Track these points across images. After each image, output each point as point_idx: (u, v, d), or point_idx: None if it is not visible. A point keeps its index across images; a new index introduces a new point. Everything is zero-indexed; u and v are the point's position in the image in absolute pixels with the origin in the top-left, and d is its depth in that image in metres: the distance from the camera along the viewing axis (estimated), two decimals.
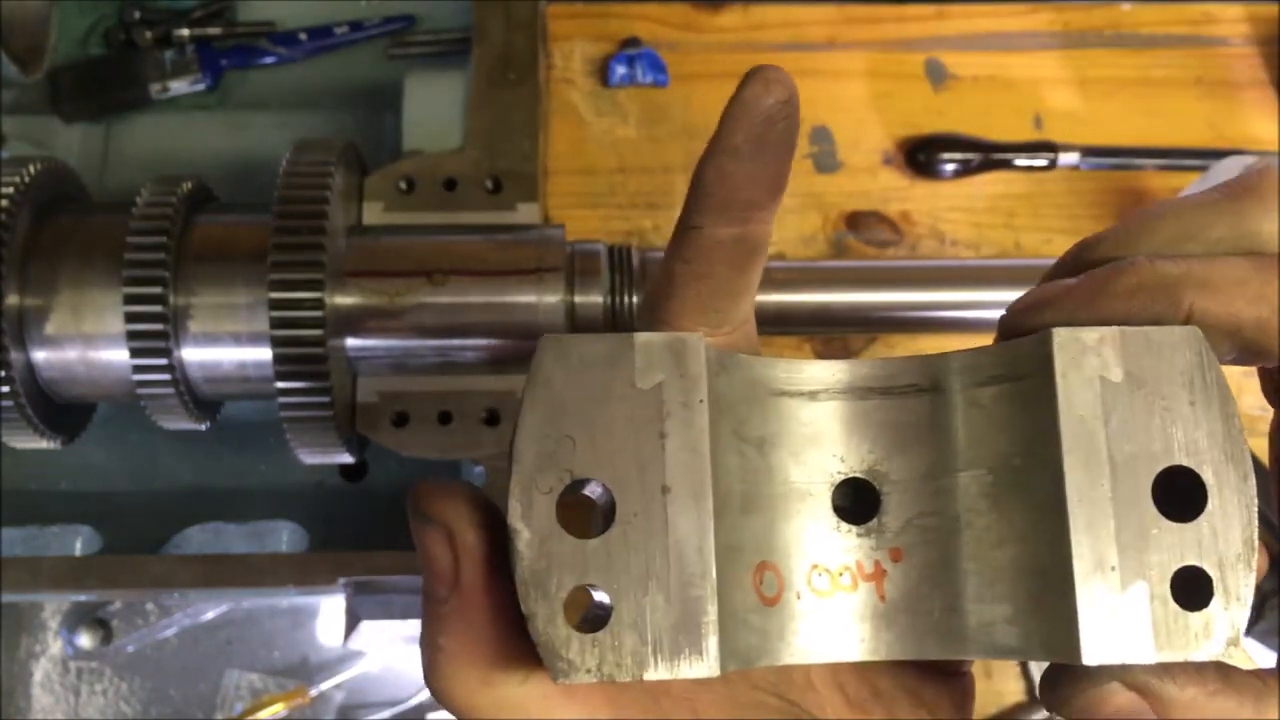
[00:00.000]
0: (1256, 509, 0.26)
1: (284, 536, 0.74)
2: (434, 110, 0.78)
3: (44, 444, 0.68)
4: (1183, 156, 0.92)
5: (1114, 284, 0.27)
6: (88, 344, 0.65)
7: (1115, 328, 0.26)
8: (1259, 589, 0.86)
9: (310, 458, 0.69)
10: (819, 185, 0.91)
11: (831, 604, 0.29)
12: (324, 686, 0.84)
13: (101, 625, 0.81)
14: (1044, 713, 0.81)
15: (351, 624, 0.75)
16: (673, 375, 0.26)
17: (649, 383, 0.26)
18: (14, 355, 0.63)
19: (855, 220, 0.91)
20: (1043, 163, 0.91)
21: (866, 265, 0.82)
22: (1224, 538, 0.25)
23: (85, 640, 0.81)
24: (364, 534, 0.77)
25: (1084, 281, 0.28)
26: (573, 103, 0.92)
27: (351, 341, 0.67)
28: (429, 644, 0.29)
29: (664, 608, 0.25)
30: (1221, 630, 0.25)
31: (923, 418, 0.29)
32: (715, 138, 0.29)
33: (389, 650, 0.84)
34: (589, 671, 0.25)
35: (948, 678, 0.34)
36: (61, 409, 0.69)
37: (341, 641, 0.77)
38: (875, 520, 0.29)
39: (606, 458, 0.25)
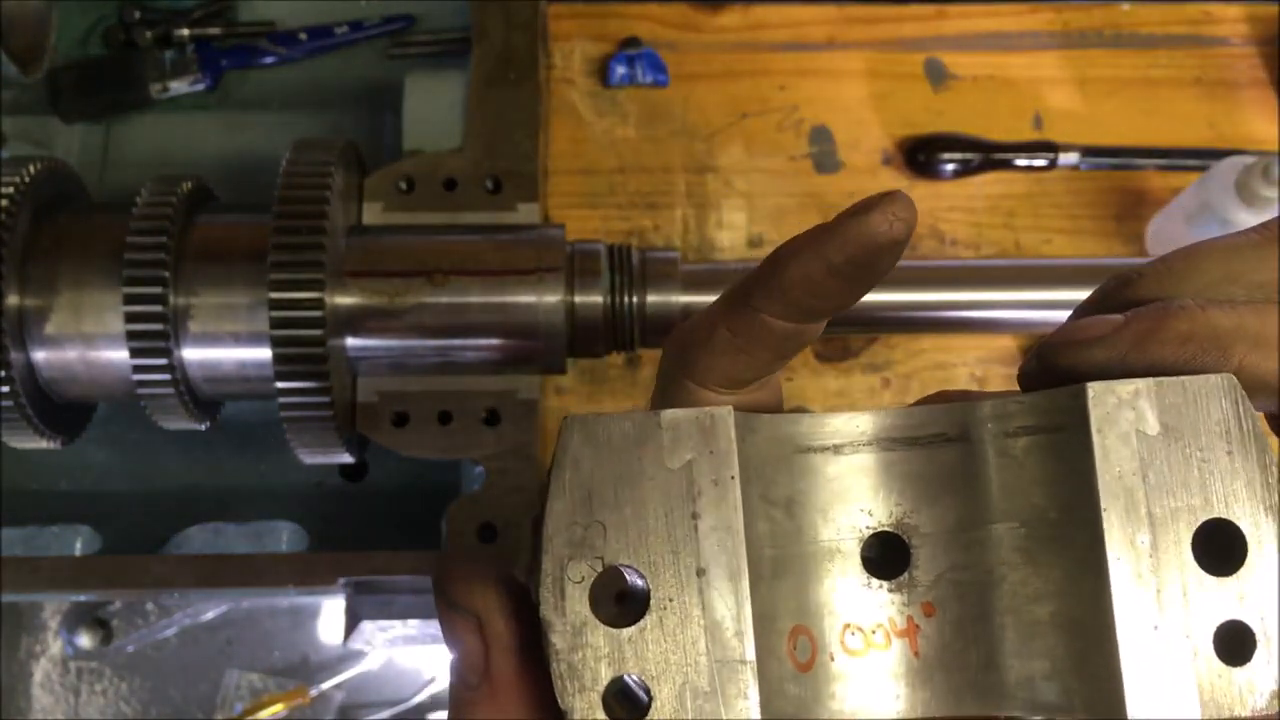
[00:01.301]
0: None
1: (284, 536, 0.74)
2: (434, 110, 0.78)
3: (44, 444, 0.68)
4: (1183, 156, 0.92)
5: (1164, 330, 0.27)
6: (88, 344, 0.65)
7: (1152, 379, 0.26)
8: None
9: (310, 458, 0.69)
10: (819, 185, 0.91)
11: (865, 663, 0.28)
12: (324, 686, 0.84)
13: (101, 625, 0.81)
14: None
15: (351, 624, 0.75)
16: (702, 452, 0.25)
17: (678, 461, 0.25)
18: (14, 355, 0.63)
19: None
20: (1043, 163, 0.91)
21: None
22: (1266, 589, 0.25)
23: (85, 640, 0.81)
24: (364, 534, 0.77)
25: (1132, 323, 0.27)
26: (573, 103, 0.92)
27: (351, 341, 0.67)
28: None
29: (704, 693, 0.25)
30: (1266, 684, 0.25)
31: (952, 468, 0.28)
32: (815, 239, 0.28)
33: (389, 650, 0.84)
34: None
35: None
36: (61, 409, 0.69)
37: (341, 641, 0.77)
38: (906, 575, 0.28)
39: (638, 543, 0.25)
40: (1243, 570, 0.25)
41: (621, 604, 0.26)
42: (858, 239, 0.27)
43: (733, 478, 0.25)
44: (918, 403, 0.30)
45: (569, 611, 0.25)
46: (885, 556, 0.29)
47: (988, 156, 0.91)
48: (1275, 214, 0.86)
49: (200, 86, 0.87)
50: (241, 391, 0.68)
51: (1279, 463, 0.26)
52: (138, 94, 0.85)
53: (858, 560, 0.28)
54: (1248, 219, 0.80)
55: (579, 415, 0.26)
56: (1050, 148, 0.91)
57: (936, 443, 0.28)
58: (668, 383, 0.30)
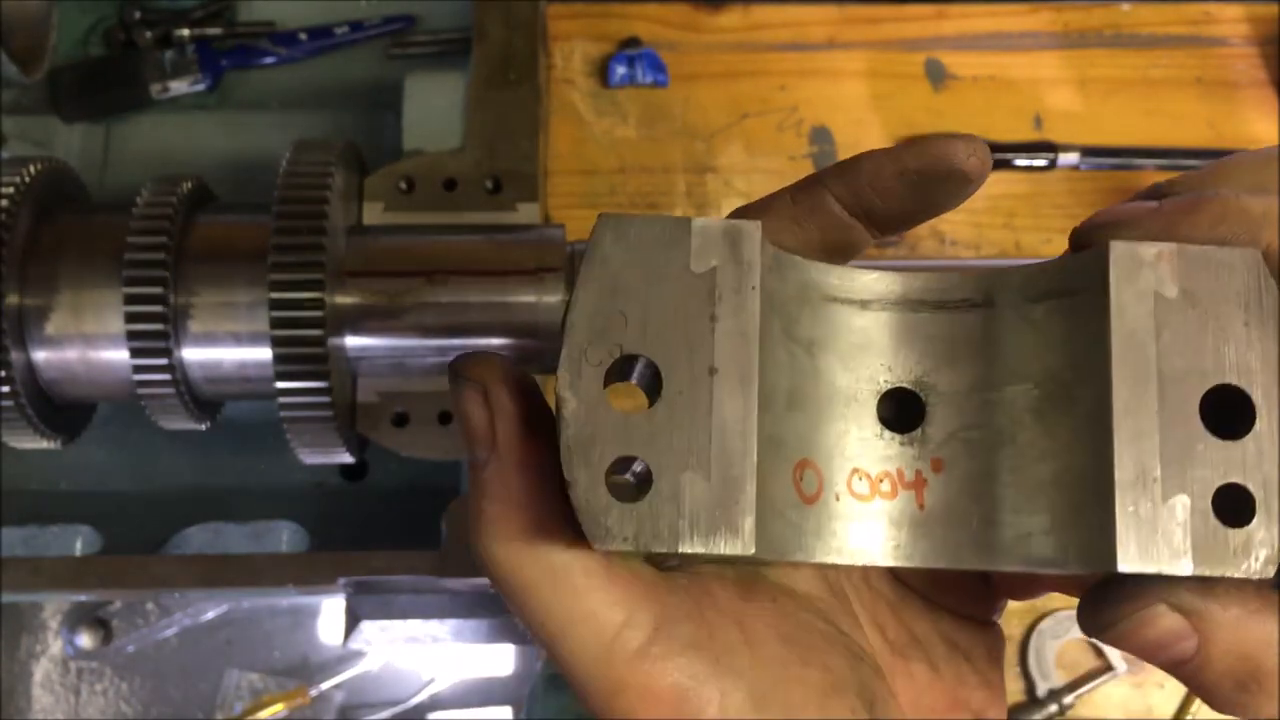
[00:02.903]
0: None
1: (284, 536, 0.74)
2: (434, 110, 0.78)
3: (44, 444, 0.68)
4: (1183, 156, 0.92)
5: (1198, 213, 0.27)
6: (88, 344, 0.65)
7: (1174, 244, 0.26)
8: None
9: (310, 458, 0.69)
10: None
11: (870, 508, 0.29)
12: (324, 686, 0.84)
13: (101, 625, 0.81)
14: (1044, 712, 0.81)
15: (351, 624, 0.75)
16: (727, 260, 0.26)
17: (703, 266, 0.26)
18: (14, 355, 0.63)
19: None
20: (1043, 163, 0.91)
21: (866, 265, 0.81)
22: (1270, 458, 0.25)
23: (85, 640, 0.81)
24: (364, 534, 0.77)
25: (1167, 205, 0.27)
26: (573, 103, 0.92)
27: (351, 341, 0.67)
28: (474, 511, 0.29)
29: (703, 484, 0.25)
30: (1261, 548, 0.25)
31: (973, 332, 0.29)
32: (900, 145, 0.29)
33: (389, 650, 0.84)
34: (626, 539, 0.25)
35: (981, 626, 0.35)
36: (61, 409, 0.69)
37: (341, 641, 0.77)
38: (919, 430, 0.29)
39: (657, 336, 0.26)
40: (1249, 436, 0.25)
41: (639, 394, 0.26)
42: (935, 153, 0.29)
43: (753, 288, 0.26)
44: (947, 267, 0.30)
45: (583, 390, 0.26)
46: (901, 411, 0.29)
47: None
48: None
49: (200, 86, 0.86)
50: (241, 391, 0.68)
51: None
52: (138, 94, 0.85)
53: (873, 411, 0.29)
54: None
55: (612, 213, 0.26)
56: (1050, 148, 0.91)
57: (962, 307, 0.29)
58: None
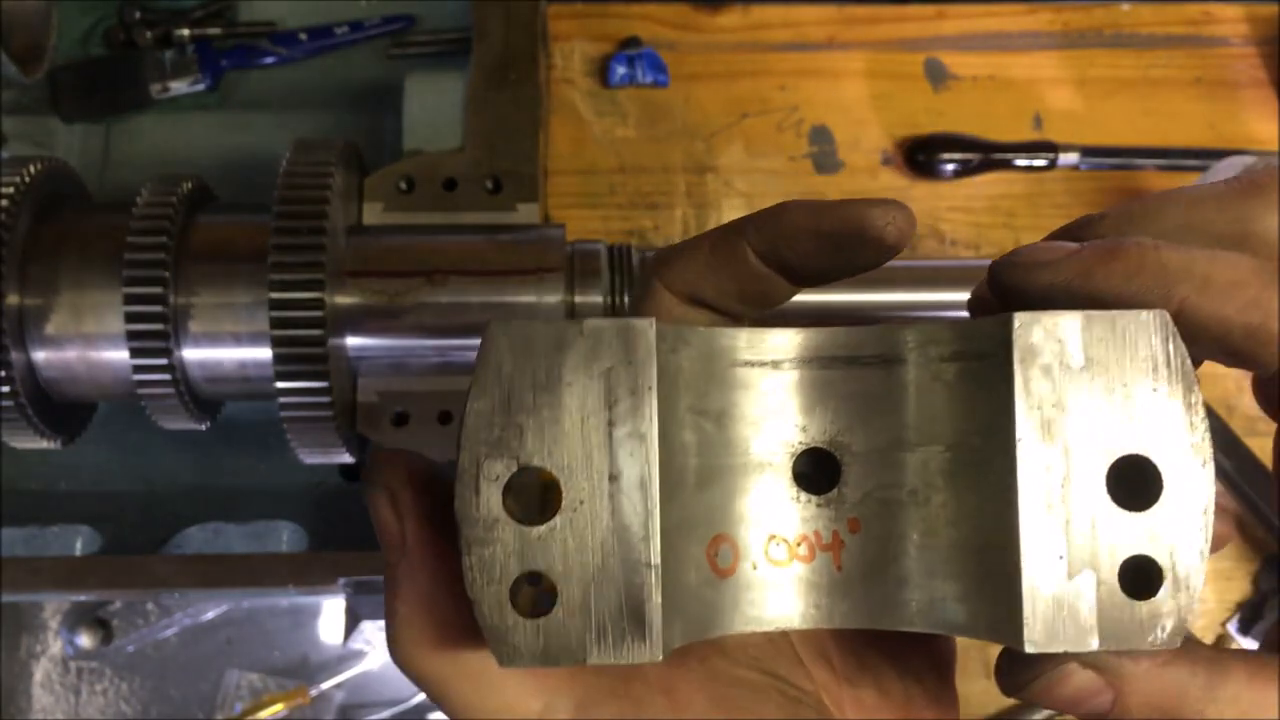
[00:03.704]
0: (1213, 498, 0.25)
1: (284, 536, 0.74)
2: (434, 110, 0.78)
3: (44, 444, 0.68)
4: (1183, 156, 0.92)
5: (1114, 262, 0.27)
6: (88, 344, 0.65)
7: (1080, 312, 0.25)
8: (1259, 588, 0.85)
9: (310, 458, 0.69)
10: (819, 185, 0.91)
11: (788, 573, 0.29)
12: (324, 686, 0.84)
13: (101, 625, 0.81)
14: (1045, 713, 0.81)
15: (351, 624, 0.75)
16: (621, 362, 0.25)
17: (598, 369, 0.25)
18: (14, 355, 0.63)
19: None
20: (1042, 163, 0.91)
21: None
22: (1177, 527, 0.25)
23: (85, 640, 0.81)
24: (364, 534, 0.77)
25: (1085, 251, 0.27)
26: (573, 103, 0.92)
27: (352, 341, 0.67)
28: (387, 611, 0.29)
29: (609, 594, 0.25)
30: (1168, 619, 0.25)
31: (886, 389, 0.28)
32: (820, 204, 0.29)
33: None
34: (534, 656, 0.25)
35: (930, 641, 0.34)
36: (61, 409, 0.69)
37: (341, 641, 0.77)
38: (835, 490, 0.29)
39: (554, 445, 0.25)
40: (1156, 507, 0.25)
41: (539, 503, 0.26)
42: (854, 219, 0.28)
43: (650, 388, 0.25)
44: (855, 321, 0.30)
45: (482, 507, 0.25)
46: (816, 472, 0.29)
47: (988, 156, 0.91)
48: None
49: (200, 86, 0.86)
50: (241, 391, 0.68)
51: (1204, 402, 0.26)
52: (138, 94, 0.85)
53: (788, 474, 0.29)
54: None
55: (502, 320, 0.26)
56: (1050, 148, 0.91)
57: (874, 364, 0.29)
58: (642, 280, 0.32)
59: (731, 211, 0.89)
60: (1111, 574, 0.25)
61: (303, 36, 0.88)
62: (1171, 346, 0.25)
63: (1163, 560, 0.25)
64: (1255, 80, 0.95)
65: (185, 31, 0.87)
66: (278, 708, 0.82)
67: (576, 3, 0.94)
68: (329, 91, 0.88)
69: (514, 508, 0.25)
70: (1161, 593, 0.25)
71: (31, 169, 0.65)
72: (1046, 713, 0.81)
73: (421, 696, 0.84)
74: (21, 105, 0.85)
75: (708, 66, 0.94)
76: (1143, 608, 0.25)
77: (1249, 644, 0.84)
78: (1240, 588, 0.85)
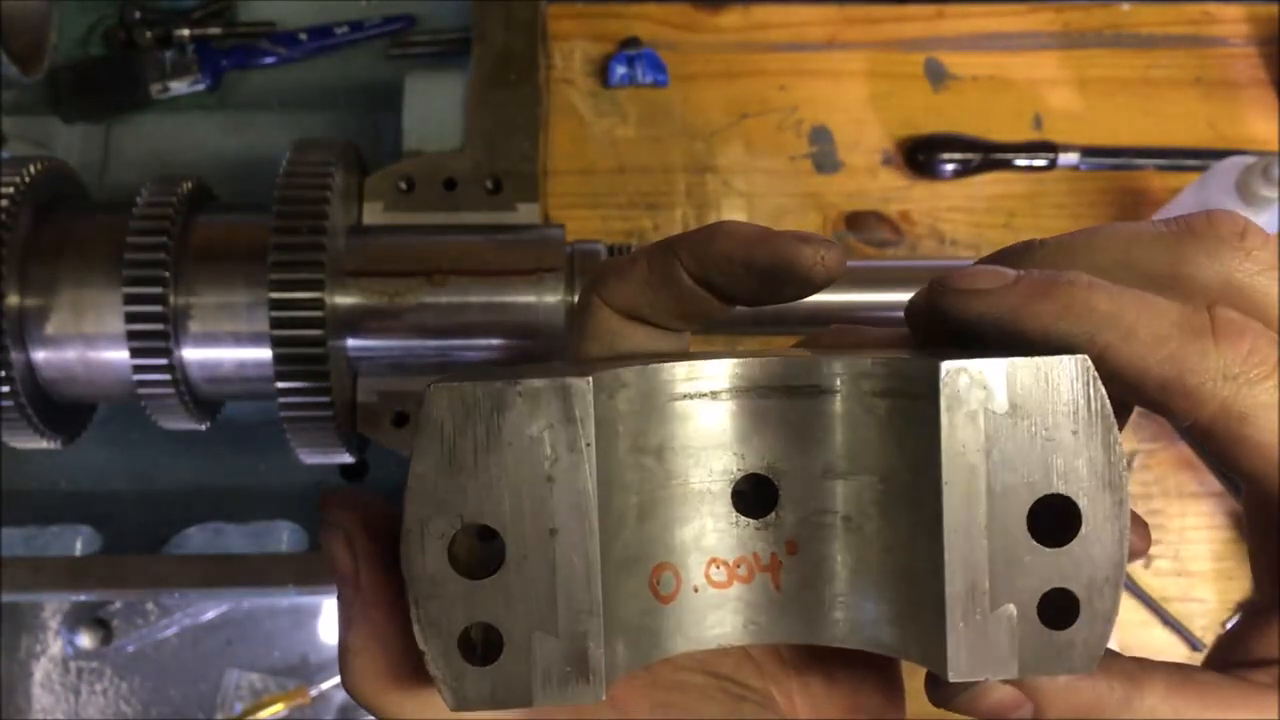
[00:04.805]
0: (1128, 534, 0.27)
1: (284, 536, 0.74)
2: (434, 110, 0.78)
3: (44, 444, 0.68)
4: (1182, 156, 0.92)
5: (1046, 300, 0.27)
6: (88, 344, 0.65)
7: (1005, 360, 0.26)
8: (1242, 604, 0.85)
9: (310, 458, 0.69)
10: (819, 185, 0.91)
11: (728, 594, 0.30)
12: (324, 686, 0.84)
13: (101, 625, 0.81)
14: None
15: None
16: (559, 420, 0.26)
17: (536, 429, 0.26)
18: (14, 355, 0.63)
19: (855, 220, 0.91)
20: (1042, 163, 0.91)
21: (866, 265, 0.81)
22: (1094, 561, 0.26)
23: (85, 640, 0.81)
24: None
25: (1018, 284, 0.28)
26: (573, 103, 0.92)
27: (352, 341, 0.67)
28: (341, 646, 0.30)
29: (553, 642, 0.26)
30: (1084, 647, 0.26)
31: (821, 419, 0.29)
32: (754, 234, 0.29)
33: None
34: (483, 701, 0.26)
35: None
36: (61, 409, 0.69)
37: None
38: (773, 514, 0.30)
39: (496, 503, 0.26)
40: (1074, 542, 0.26)
41: (482, 556, 0.27)
42: (782, 254, 0.29)
43: (588, 445, 0.26)
44: (796, 345, 0.31)
45: (428, 565, 0.26)
46: (755, 497, 0.30)
47: (988, 156, 0.91)
48: (1275, 214, 0.86)
49: (200, 86, 0.86)
50: (241, 391, 0.68)
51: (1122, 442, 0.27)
52: (138, 94, 0.85)
53: (727, 500, 0.30)
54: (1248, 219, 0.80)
55: (443, 383, 0.26)
56: (1050, 148, 0.91)
57: (811, 394, 0.29)
58: (583, 296, 0.32)
59: (731, 212, 0.89)
60: (1031, 607, 0.26)
61: (303, 36, 0.88)
62: (1092, 390, 0.26)
63: (1079, 593, 0.26)
64: (1255, 80, 0.95)
65: (185, 31, 0.87)
66: (278, 708, 0.82)
67: (576, 3, 0.94)
68: (329, 91, 0.88)
69: (461, 560, 0.26)
70: (1078, 623, 0.26)
71: (31, 169, 0.65)
72: None
73: None
74: (21, 105, 0.85)
75: (708, 66, 0.94)
76: (1060, 637, 0.26)
77: None
78: (1240, 588, 0.85)
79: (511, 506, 0.26)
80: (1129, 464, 0.87)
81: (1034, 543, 0.26)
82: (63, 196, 0.69)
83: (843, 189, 0.91)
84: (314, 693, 0.83)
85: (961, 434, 0.26)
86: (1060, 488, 0.26)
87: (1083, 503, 0.26)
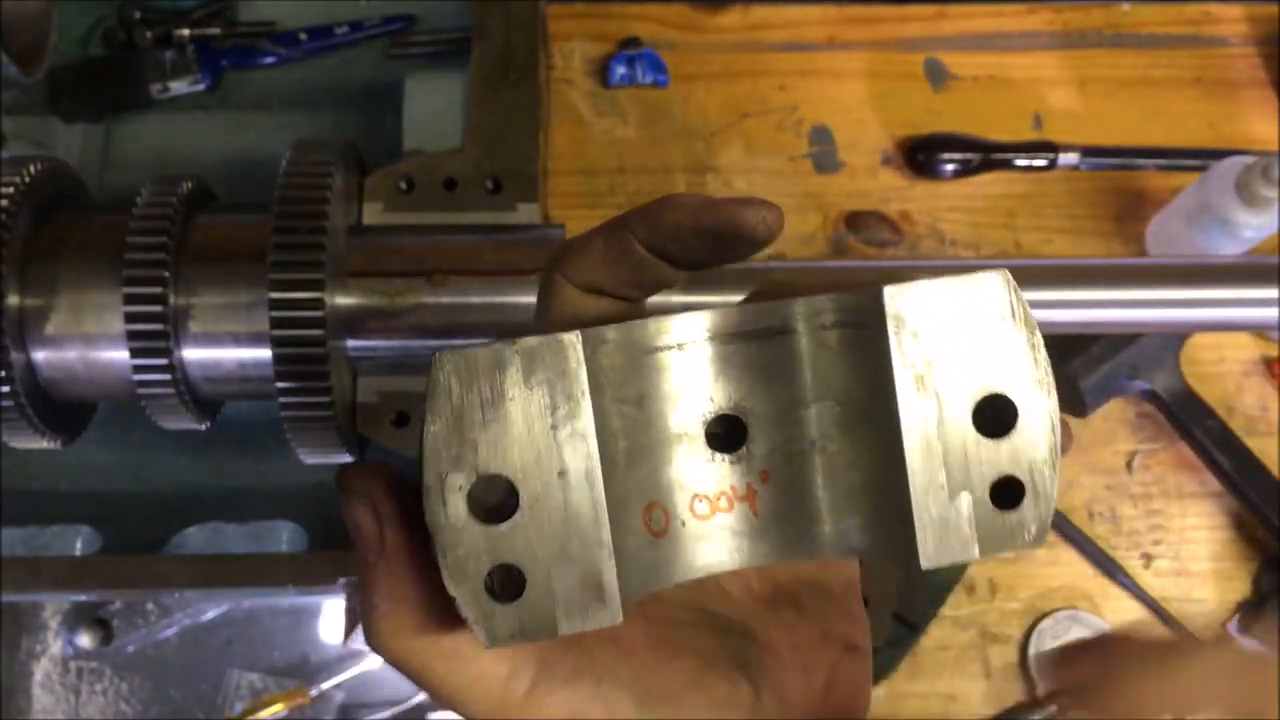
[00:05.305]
0: (1058, 420, 0.30)
1: (284, 536, 0.74)
2: (434, 110, 0.78)
3: (44, 444, 0.68)
4: (1182, 156, 0.92)
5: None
6: (88, 344, 0.65)
7: (937, 279, 0.30)
8: (1259, 588, 0.85)
9: (310, 458, 0.69)
10: (819, 185, 0.91)
11: (713, 525, 0.33)
12: (324, 686, 0.84)
13: (101, 625, 0.81)
14: (1044, 712, 0.81)
15: (351, 624, 0.75)
16: (555, 373, 0.29)
17: (535, 383, 0.29)
18: (14, 355, 0.63)
19: (855, 220, 0.91)
20: (1042, 163, 0.91)
21: (866, 265, 0.81)
22: (1032, 448, 0.30)
23: (85, 640, 0.81)
24: None
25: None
26: (573, 103, 0.92)
27: (352, 341, 0.67)
28: (366, 606, 0.32)
29: (569, 574, 0.29)
30: (1033, 524, 0.30)
31: (779, 357, 0.32)
32: (698, 202, 0.32)
33: None
34: (512, 635, 0.29)
35: (836, 564, 0.39)
36: (61, 409, 0.69)
37: (341, 641, 0.77)
38: (744, 449, 0.33)
39: (506, 453, 0.29)
40: (1013, 433, 0.30)
41: (498, 503, 0.29)
42: (727, 217, 0.32)
43: (583, 393, 0.29)
44: (747, 299, 0.34)
45: (450, 515, 0.29)
46: (726, 435, 0.33)
47: (988, 156, 0.91)
48: (1275, 214, 0.85)
49: (200, 86, 0.86)
50: (241, 391, 0.68)
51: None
52: (138, 94, 0.86)
53: (702, 441, 0.33)
54: (1248, 219, 0.80)
55: (447, 351, 0.29)
56: (1050, 148, 0.91)
57: (767, 336, 0.32)
58: (545, 276, 0.35)
59: None
60: (984, 493, 0.30)
61: (303, 36, 0.88)
62: (1013, 299, 0.30)
63: (1023, 476, 0.30)
64: (1255, 80, 0.95)
65: (185, 31, 0.87)
66: (278, 708, 0.82)
67: (576, 3, 0.94)
68: (329, 91, 0.88)
69: (479, 510, 0.29)
70: (1025, 503, 0.30)
71: (31, 169, 0.65)
72: (1045, 713, 0.81)
73: (421, 696, 0.84)
74: (21, 105, 0.85)
75: (708, 66, 0.94)
76: (1012, 517, 0.30)
77: (1249, 644, 0.84)
78: (1240, 588, 0.85)
79: (520, 455, 0.29)
80: (1129, 464, 0.87)
81: (980, 437, 0.30)
82: (63, 196, 0.69)
83: (843, 189, 0.91)
84: (314, 693, 0.83)
85: (908, 349, 0.30)
86: (997, 387, 0.30)
87: (1016, 397, 0.30)
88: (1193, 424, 0.84)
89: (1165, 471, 0.87)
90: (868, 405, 0.31)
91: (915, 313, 0.30)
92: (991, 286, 0.30)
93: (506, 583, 0.29)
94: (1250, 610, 0.84)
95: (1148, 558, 0.85)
